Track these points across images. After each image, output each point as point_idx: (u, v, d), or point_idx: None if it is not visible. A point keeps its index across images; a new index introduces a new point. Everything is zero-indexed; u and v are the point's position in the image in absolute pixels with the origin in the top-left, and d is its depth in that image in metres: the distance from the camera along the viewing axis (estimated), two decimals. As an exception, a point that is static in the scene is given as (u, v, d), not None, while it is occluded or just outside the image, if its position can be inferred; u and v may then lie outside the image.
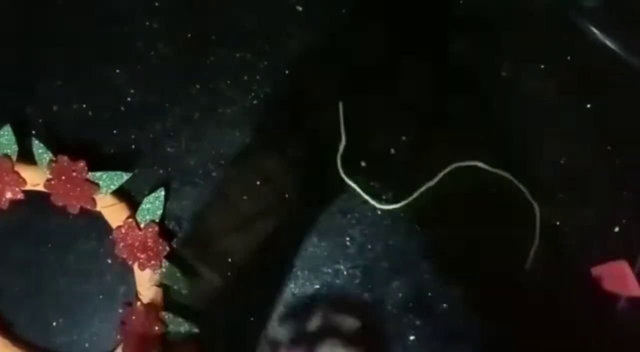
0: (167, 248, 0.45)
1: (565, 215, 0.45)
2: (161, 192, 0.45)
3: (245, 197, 0.46)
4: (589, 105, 0.45)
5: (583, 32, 0.45)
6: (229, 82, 0.46)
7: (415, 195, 0.45)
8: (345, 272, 0.46)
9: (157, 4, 0.47)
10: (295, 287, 0.46)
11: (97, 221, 0.46)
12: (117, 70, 0.47)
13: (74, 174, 0.44)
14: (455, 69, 0.46)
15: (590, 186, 0.45)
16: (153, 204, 0.45)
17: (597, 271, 0.45)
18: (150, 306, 0.45)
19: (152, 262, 0.44)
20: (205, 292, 0.46)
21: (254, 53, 0.46)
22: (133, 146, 0.46)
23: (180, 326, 0.45)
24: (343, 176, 0.45)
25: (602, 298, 0.45)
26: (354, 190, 0.45)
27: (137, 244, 0.44)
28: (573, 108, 0.45)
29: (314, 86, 0.46)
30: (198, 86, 0.46)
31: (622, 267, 0.44)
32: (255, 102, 0.46)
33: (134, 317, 0.45)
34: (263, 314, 0.46)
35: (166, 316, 0.45)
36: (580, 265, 0.45)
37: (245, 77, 0.46)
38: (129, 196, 0.46)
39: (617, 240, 0.45)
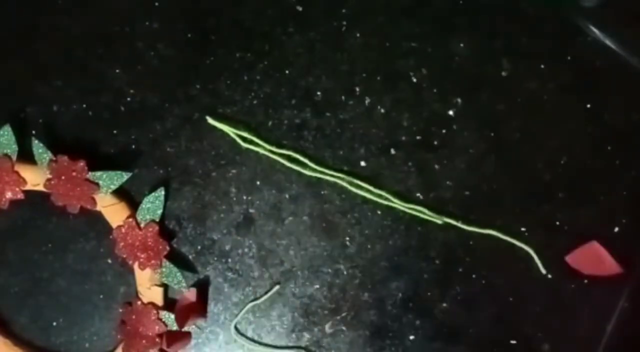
0: (167, 248, 0.45)
1: (565, 215, 0.45)
2: (161, 192, 0.45)
3: (245, 197, 0.46)
4: (589, 105, 0.45)
5: (583, 32, 0.45)
6: (229, 82, 0.46)
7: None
8: (345, 272, 0.46)
9: (157, 4, 0.47)
10: (295, 287, 0.46)
11: (97, 220, 0.46)
12: (117, 70, 0.47)
13: (74, 173, 0.44)
14: (455, 69, 0.46)
15: (590, 186, 0.45)
16: (153, 204, 0.45)
17: (572, 258, 0.44)
18: (150, 306, 0.45)
19: (152, 261, 0.44)
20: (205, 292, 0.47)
21: (254, 53, 0.46)
22: (133, 146, 0.46)
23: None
24: (333, 175, 0.45)
25: (603, 298, 0.45)
26: (353, 190, 0.45)
27: (137, 243, 0.44)
28: (573, 108, 0.45)
29: (314, 86, 0.46)
30: (198, 86, 0.46)
31: (595, 248, 0.44)
32: (255, 102, 0.46)
33: (134, 317, 0.45)
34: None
35: (166, 315, 0.45)
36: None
37: (245, 77, 0.46)
38: (129, 196, 0.46)
39: (617, 240, 0.45)
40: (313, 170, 0.45)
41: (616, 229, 0.45)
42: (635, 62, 0.44)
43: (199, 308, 0.46)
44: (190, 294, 0.45)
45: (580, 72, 0.45)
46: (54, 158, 0.44)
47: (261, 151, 0.45)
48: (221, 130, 0.46)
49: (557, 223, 0.45)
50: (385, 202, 0.45)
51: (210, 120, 0.46)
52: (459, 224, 0.45)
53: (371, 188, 0.45)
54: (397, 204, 0.45)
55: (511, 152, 0.45)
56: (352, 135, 0.46)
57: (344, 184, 0.45)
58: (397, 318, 0.46)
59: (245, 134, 0.45)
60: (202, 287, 0.46)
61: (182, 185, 0.46)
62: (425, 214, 0.45)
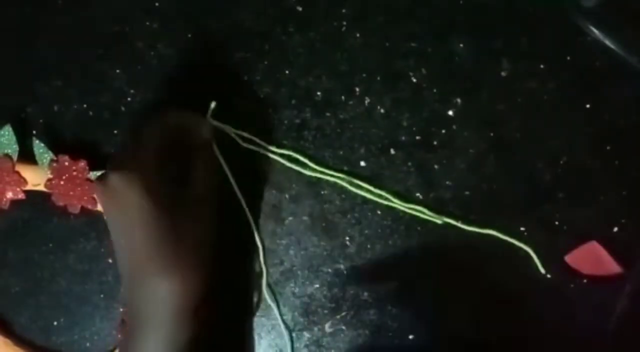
0: (167, 248, 0.45)
1: (565, 215, 0.45)
2: (161, 192, 0.45)
3: (245, 198, 0.46)
4: (588, 105, 0.45)
5: (583, 32, 0.45)
6: (228, 82, 0.46)
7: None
8: (345, 272, 0.46)
9: (157, 4, 0.47)
10: (295, 287, 0.46)
11: (98, 220, 0.46)
12: (117, 70, 0.47)
13: (75, 173, 0.44)
14: (455, 69, 0.46)
15: (590, 186, 0.45)
16: (153, 204, 0.45)
17: (571, 258, 0.44)
18: (150, 306, 0.45)
19: (153, 262, 0.44)
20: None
21: (254, 53, 0.46)
22: (133, 146, 0.46)
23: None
24: (333, 175, 0.45)
25: (602, 298, 0.45)
26: (353, 190, 0.45)
27: (137, 243, 0.44)
28: (573, 108, 0.45)
29: (314, 86, 0.46)
30: (198, 86, 0.46)
31: (594, 248, 0.44)
32: (255, 102, 0.46)
33: (134, 317, 0.45)
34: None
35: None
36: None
37: (245, 77, 0.46)
38: (129, 196, 0.46)
39: (617, 240, 0.45)
40: (313, 170, 0.45)
41: (616, 229, 0.45)
42: (635, 62, 0.44)
43: None
44: None
45: (580, 72, 0.45)
46: (55, 158, 0.44)
47: (261, 151, 0.46)
48: (221, 131, 0.46)
49: (557, 223, 0.45)
50: (385, 202, 0.45)
51: (210, 120, 0.46)
52: (459, 224, 0.45)
53: (371, 188, 0.45)
54: (397, 204, 0.45)
55: (511, 152, 0.45)
56: (352, 135, 0.46)
57: (344, 184, 0.45)
58: (397, 318, 0.46)
59: (245, 134, 0.45)
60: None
61: (182, 185, 0.46)
62: (425, 214, 0.45)
